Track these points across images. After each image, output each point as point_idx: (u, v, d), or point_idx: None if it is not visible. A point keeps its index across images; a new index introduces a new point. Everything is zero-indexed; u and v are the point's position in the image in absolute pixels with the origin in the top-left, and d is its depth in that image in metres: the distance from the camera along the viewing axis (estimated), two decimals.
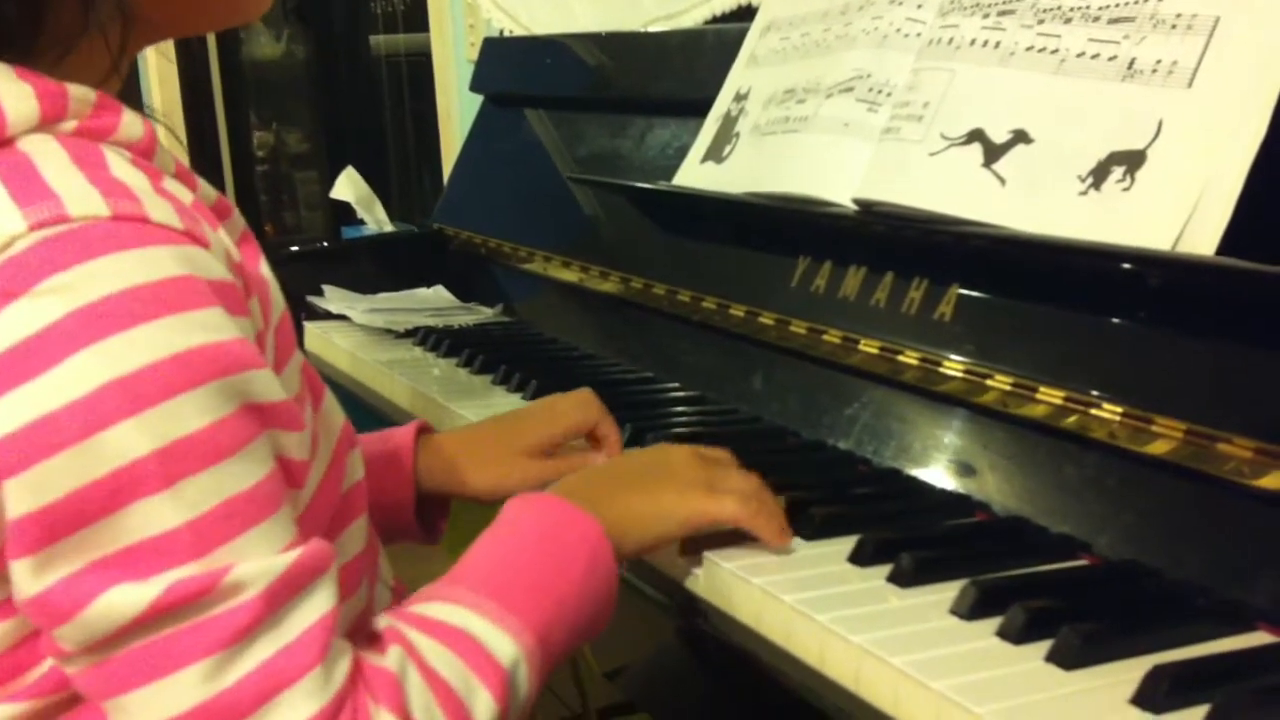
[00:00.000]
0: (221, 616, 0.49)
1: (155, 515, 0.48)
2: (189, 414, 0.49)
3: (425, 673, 0.55)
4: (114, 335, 0.48)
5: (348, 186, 1.85)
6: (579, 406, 0.86)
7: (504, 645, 0.58)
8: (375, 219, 1.85)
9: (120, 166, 0.53)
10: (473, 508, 0.88)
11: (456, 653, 0.57)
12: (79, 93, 0.54)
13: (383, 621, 0.58)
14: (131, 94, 0.59)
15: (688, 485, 0.70)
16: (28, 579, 0.49)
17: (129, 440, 0.48)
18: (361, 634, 0.64)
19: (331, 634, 0.52)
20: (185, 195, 0.56)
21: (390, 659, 0.55)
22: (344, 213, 1.98)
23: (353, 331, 1.33)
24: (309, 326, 1.37)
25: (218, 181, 3.41)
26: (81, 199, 0.50)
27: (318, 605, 0.52)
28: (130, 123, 0.56)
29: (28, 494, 0.48)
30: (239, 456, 0.50)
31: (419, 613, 0.59)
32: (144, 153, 0.57)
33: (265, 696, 0.49)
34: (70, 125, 0.54)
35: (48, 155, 0.52)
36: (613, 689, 0.98)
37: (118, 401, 0.48)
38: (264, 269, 0.60)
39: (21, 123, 0.53)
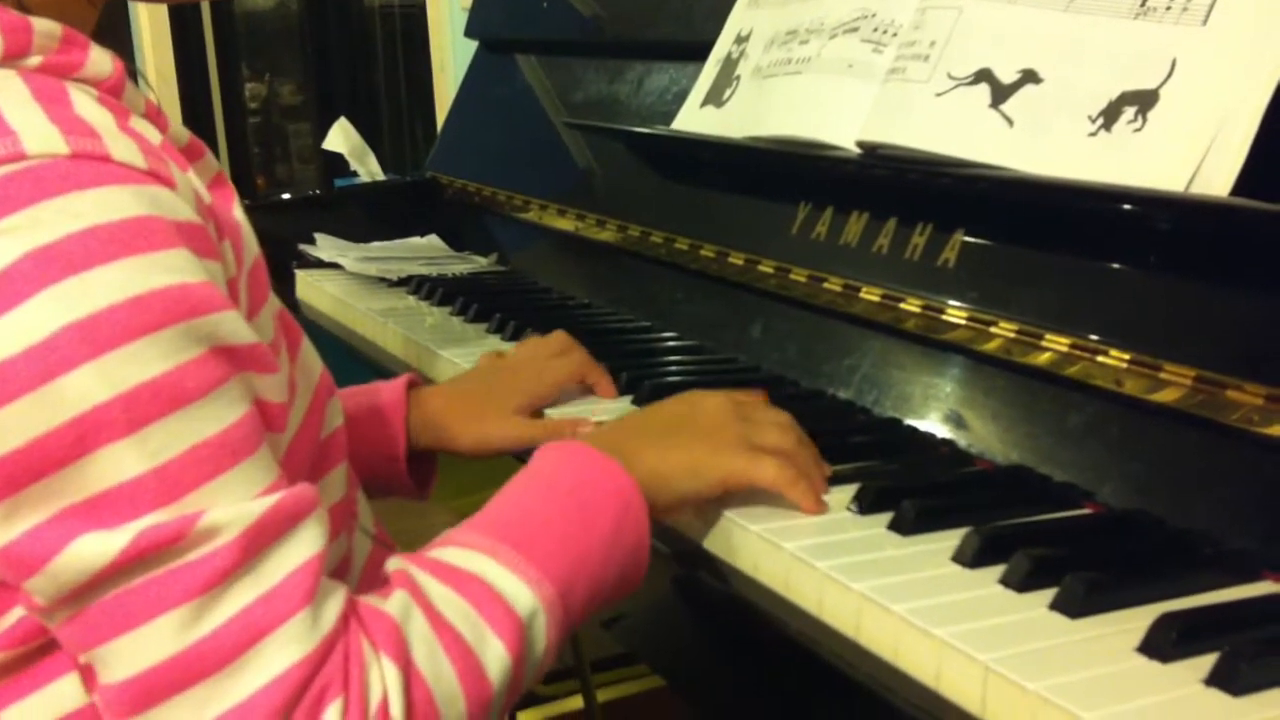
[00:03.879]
0: (195, 563, 0.47)
1: (119, 462, 0.47)
2: (150, 358, 0.47)
3: (432, 617, 0.53)
4: (71, 277, 0.46)
5: (340, 138, 1.82)
6: (562, 358, 0.86)
7: (521, 594, 0.56)
8: (368, 170, 1.83)
9: (84, 104, 0.52)
10: (467, 461, 0.88)
11: (468, 599, 0.55)
12: (44, 27, 0.53)
13: (393, 564, 0.57)
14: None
15: (726, 442, 0.67)
16: None
17: (89, 386, 0.46)
18: (342, 580, 0.62)
19: (317, 579, 0.51)
20: (154, 135, 0.55)
21: (393, 603, 0.53)
22: (337, 165, 1.95)
23: (345, 280, 1.31)
24: (300, 274, 1.35)
25: (209, 133, 3.39)
26: (40, 136, 0.49)
27: (301, 550, 0.50)
28: (98, 59, 0.55)
29: None
30: (206, 400, 0.49)
31: (433, 557, 0.57)
32: (111, 90, 0.55)
33: (246, 644, 0.48)
34: (35, 60, 0.52)
35: (7, 90, 0.51)
36: (609, 640, 0.97)
37: (76, 346, 0.46)
38: (237, 212, 0.58)
39: None
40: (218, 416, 0.49)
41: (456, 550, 0.57)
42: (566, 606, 0.57)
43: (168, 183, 0.51)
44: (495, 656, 0.54)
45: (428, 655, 0.52)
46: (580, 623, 0.60)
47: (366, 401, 0.81)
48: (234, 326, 0.51)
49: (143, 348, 0.47)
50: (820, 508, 0.67)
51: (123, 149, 0.50)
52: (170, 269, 0.49)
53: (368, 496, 0.72)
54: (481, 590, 0.55)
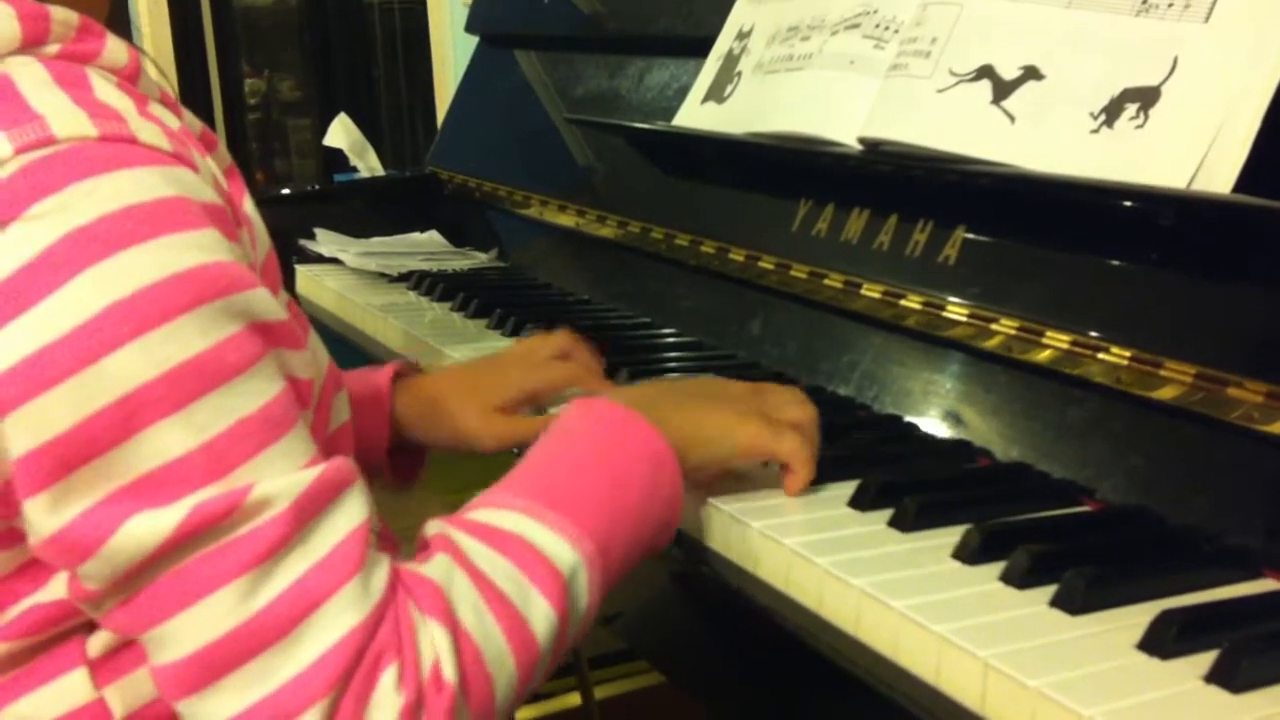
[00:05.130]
0: (249, 535, 0.48)
1: (168, 440, 0.47)
2: (192, 335, 0.48)
3: (475, 578, 0.53)
4: (109, 257, 0.47)
5: (340, 133, 1.82)
6: (560, 362, 0.83)
7: (562, 551, 0.56)
8: (368, 166, 1.83)
9: (105, 89, 0.52)
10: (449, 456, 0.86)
11: (510, 558, 0.55)
12: (61, 15, 0.53)
13: (432, 528, 0.57)
14: (123, 39, 0.58)
15: (749, 412, 0.68)
16: (44, 516, 0.47)
17: (133, 365, 0.47)
18: None
19: (365, 545, 0.51)
20: (172, 121, 0.55)
21: (435, 567, 0.53)
22: (336, 160, 1.95)
23: (345, 275, 1.31)
24: (300, 269, 1.35)
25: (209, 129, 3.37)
26: (67, 119, 0.49)
27: (348, 518, 0.51)
28: (115, 48, 0.55)
29: (34, 428, 0.46)
30: (247, 376, 0.49)
31: (471, 518, 0.57)
32: (128, 78, 0.56)
33: (303, 612, 0.48)
34: (53, 49, 0.53)
35: (30, 76, 0.51)
36: (608, 635, 0.97)
37: (118, 326, 0.46)
38: (249, 206, 0.59)
39: (2, 45, 0.52)
40: (259, 391, 0.49)
41: (494, 511, 0.57)
42: (606, 562, 0.57)
43: (190, 165, 0.51)
44: (541, 614, 0.54)
45: (474, 616, 0.52)
46: (619, 578, 0.59)
47: (356, 385, 0.80)
48: (266, 304, 0.51)
49: (183, 325, 0.47)
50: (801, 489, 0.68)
51: (147, 132, 0.50)
52: (203, 248, 0.49)
53: None
54: (523, 549, 0.55)
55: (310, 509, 0.49)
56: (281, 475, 0.49)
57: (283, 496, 0.48)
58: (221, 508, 0.47)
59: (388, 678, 0.49)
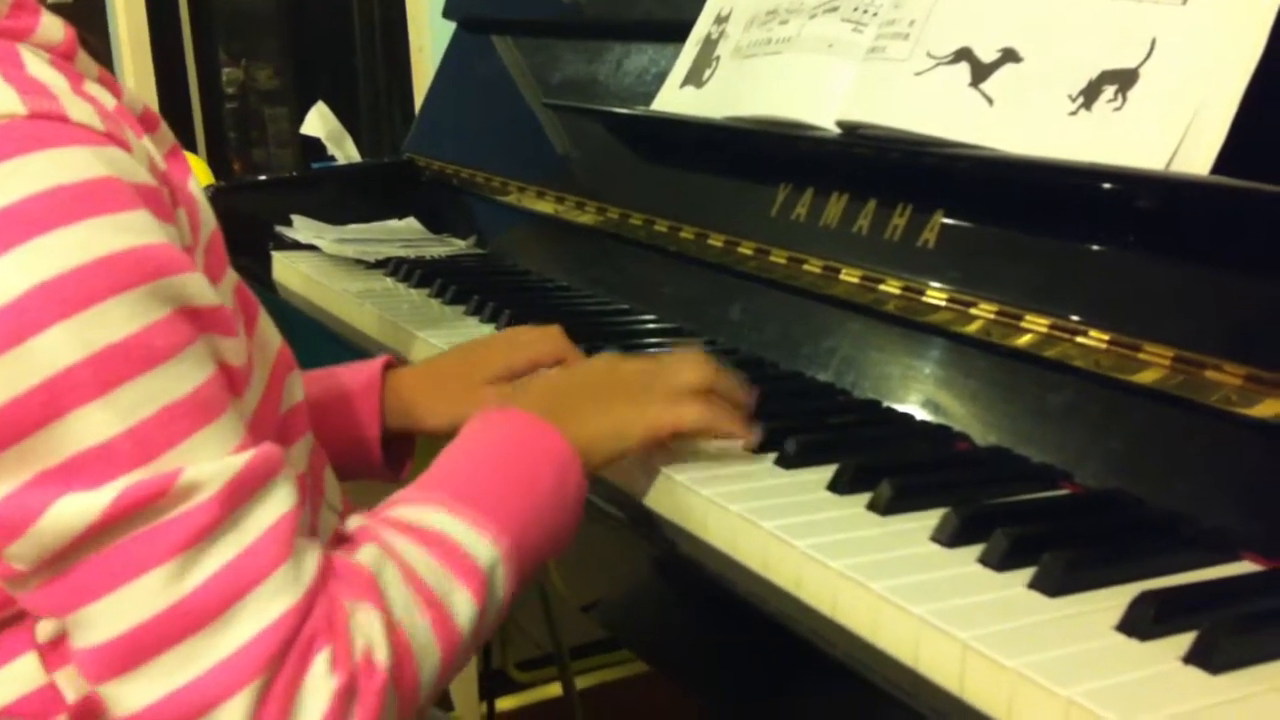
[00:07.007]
0: (178, 519, 0.48)
1: (93, 424, 0.47)
2: (119, 319, 0.47)
3: (403, 569, 0.54)
4: (36, 238, 0.46)
5: (318, 122, 1.80)
6: (543, 338, 0.84)
7: (481, 547, 0.57)
8: (346, 155, 1.81)
9: (38, 66, 0.52)
10: (440, 445, 0.86)
11: (433, 553, 0.56)
12: None
13: (354, 522, 0.57)
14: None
15: (647, 396, 0.69)
16: None
17: (59, 347, 0.46)
18: None
19: (294, 531, 0.51)
20: (108, 100, 0.55)
21: (366, 556, 0.54)
22: (314, 149, 1.93)
23: (321, 261, 1.30)
24: (277, 256, 1.34)
25: (186, 118, 3.35)
26: None
27: (277, 504, 0.51)
28: (49, 24, 0.55)
29: None
30: (175, 361, 0.49)
31: (393, 515, 0.58)
32: (64, 55, 0.55)
33: (232, 597, 0.48)
34: None
35: None
36: (589, 625, 0.97)
37: (44, 307, 0.46)
38: (193, 186, 0.58)
39: None
40: (187, 376, 0.49)
41: (414, 507, 0.58)
42: (521, 557, 0.59)
43: (123, 145, 0.51)
44: (464, 607, 0.55)
45: (404, 606, 0.53)
46: (531, 572, 0.61)
47: (341, 381, 0.80)
48: (198, 287, 0.51)
49: (110, 308, 0.47)
50: (749, 434, 0.71)
51: (79, 110, 0.50)
52: (133, 230, 0.48)
53: (341, 478, 0.71)
54: (445, 545, 0.56)
55: (240, 494, 0.49)
56: (210, 460, 0.49)
57: (212, 481, 0.48)
58: (150, 491, 0.47)
59: (320, 661, 0.49)
